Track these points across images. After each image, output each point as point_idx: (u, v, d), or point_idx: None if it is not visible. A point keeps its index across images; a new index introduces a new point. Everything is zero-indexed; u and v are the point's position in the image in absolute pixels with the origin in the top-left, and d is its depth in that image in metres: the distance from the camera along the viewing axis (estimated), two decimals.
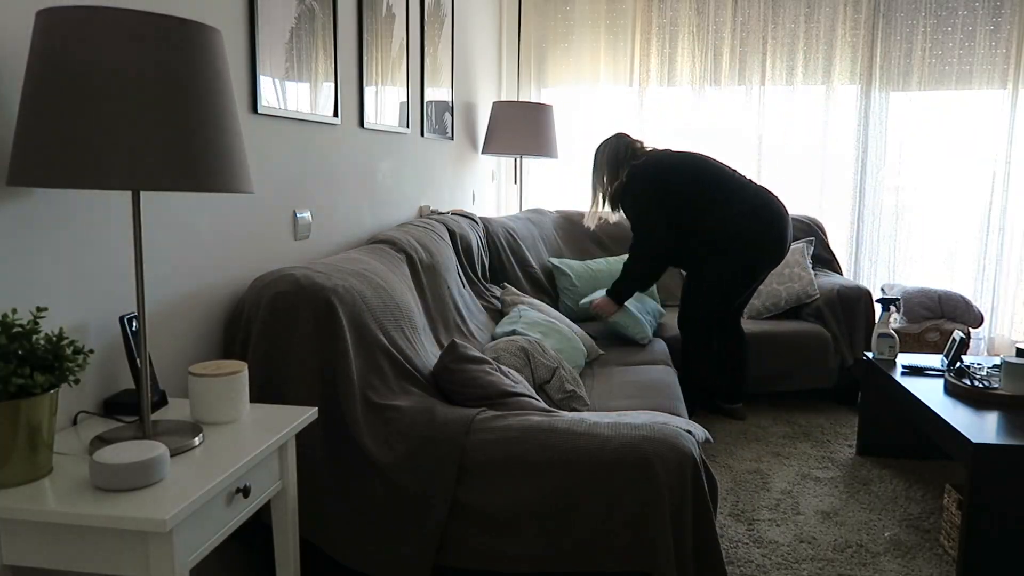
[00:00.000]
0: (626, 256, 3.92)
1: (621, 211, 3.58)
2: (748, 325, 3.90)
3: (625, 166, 3.51)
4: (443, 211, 3.81)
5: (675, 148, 3.58)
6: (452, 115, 3.97)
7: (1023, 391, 2.58)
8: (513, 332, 2.89)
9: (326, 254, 2.60)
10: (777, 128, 4.87)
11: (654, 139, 4.98)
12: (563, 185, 5.17)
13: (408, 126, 3.34)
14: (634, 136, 3.78)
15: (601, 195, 3.59)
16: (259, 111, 2.13)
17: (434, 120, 3.67)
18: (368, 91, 2.87)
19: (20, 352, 1.21)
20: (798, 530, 2.61)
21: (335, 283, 2.04)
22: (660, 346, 3.43)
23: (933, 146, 4.74)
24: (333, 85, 2.59)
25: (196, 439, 1.42)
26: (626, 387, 2.76)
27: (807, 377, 3.83)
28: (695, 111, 4.90)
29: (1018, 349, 2.75)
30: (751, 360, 3.80)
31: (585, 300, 3.70)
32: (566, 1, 4.96)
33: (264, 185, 2.20)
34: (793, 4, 4.72)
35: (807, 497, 2.86)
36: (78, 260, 1.52)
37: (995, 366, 2.92)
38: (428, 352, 2.39)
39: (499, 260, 3.79)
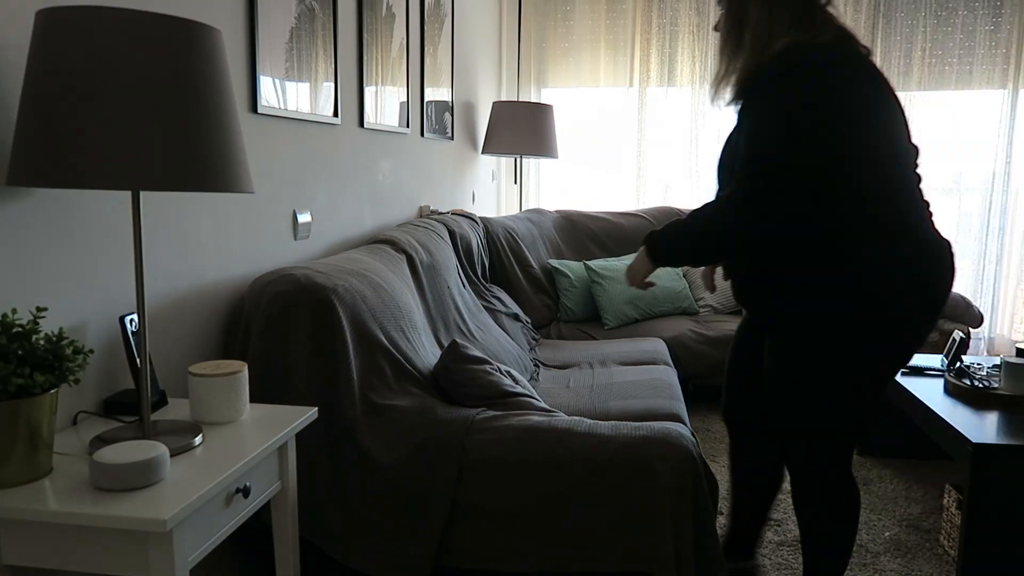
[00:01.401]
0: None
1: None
2: None
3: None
4: (443, 211, 3.81)
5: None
6: (452, 115, 3.97)
7: (1023, 391, 2.58)
8: None
9: (326, 254, 2.60)
10: None
11: (653, 139, 4.98)
12: (563, 185, 5.17)
13: (408, 126, 3.33)
14: None
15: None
16: (259, 111, 2.13)
17: (434, 120, 3.67)
18: (368, 91, 2.87)
19: (20, 352, 1.21)
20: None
21: (335, 283, 2.04)
22: (660, 346, 3.42)
23: (933, 146, 4.74)
24: (333, 85, 2.59)
25: (196, 439, 1.42)
26: (626, 387, 2.76)
27: None
28: (695, 111, 4.90)
29: (1018, 349, 2.75)
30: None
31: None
32: (566, 1, 4.96)
33: (264, 185, 2.20)
34: None
35: None
36: (78, 260, 1.52)
37: (995, 366, 2.92)
38: (428, 352, 2.38)
39: (499, 260, 3.79)
